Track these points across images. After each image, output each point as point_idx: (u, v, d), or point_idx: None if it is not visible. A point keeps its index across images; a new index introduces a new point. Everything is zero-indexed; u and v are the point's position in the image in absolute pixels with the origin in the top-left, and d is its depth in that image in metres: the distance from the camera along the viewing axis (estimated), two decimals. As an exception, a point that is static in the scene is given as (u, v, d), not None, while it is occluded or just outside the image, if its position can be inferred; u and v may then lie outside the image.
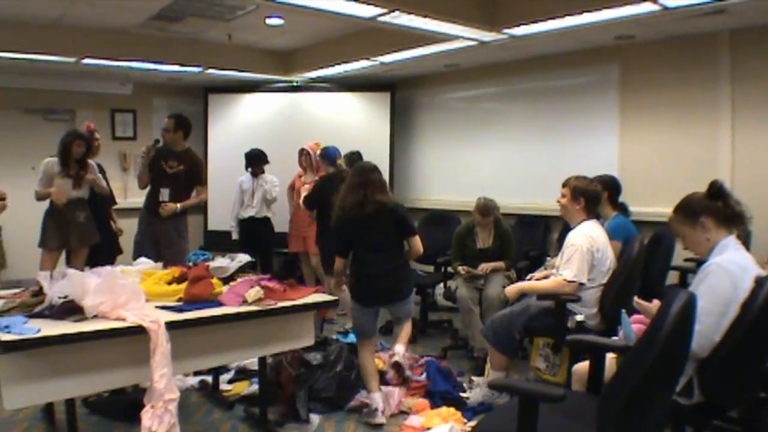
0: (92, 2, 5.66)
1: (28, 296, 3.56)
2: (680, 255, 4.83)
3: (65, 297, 3.28)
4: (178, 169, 6.02)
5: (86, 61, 6.84)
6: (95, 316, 3.24)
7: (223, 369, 4.95)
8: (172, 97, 8.89)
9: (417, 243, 4.58)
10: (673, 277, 5.19)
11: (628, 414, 2.22)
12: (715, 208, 2.96)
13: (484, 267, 5.51)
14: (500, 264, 5.56)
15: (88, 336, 3.07)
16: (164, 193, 6.01)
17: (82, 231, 5.98)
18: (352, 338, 5.22)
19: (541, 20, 5.13)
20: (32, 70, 7.34)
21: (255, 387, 4.60)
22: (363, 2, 4.71)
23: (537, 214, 6.68)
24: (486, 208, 5.57)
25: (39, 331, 2.99)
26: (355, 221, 4.41)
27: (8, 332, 2.93)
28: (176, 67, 7.42)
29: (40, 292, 3.51)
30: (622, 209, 5.10)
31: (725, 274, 2.82)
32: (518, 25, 5.33)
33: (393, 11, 4.91)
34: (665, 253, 4.85)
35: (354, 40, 6.84)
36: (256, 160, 7.45)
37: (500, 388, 3.45)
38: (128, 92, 8.47)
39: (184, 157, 6.09)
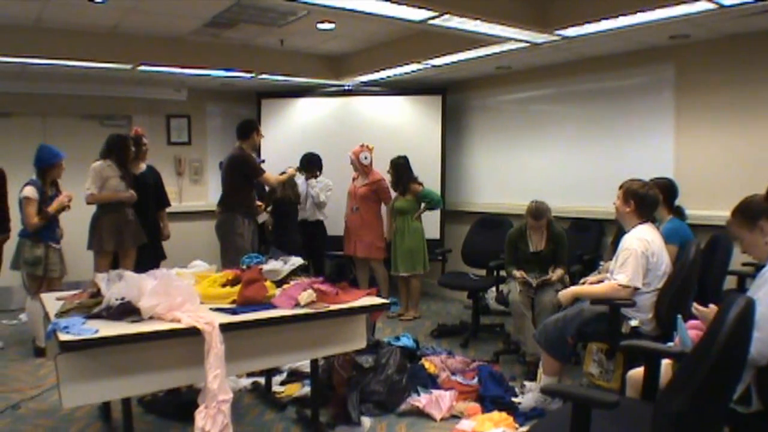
0: (147, 11, 5.79)
1: (86, 298, 3.66)
2: (738, 259, 4.75)
3: (122, 298, 3.36)
4: None
5: (142, 68, 6.98)
6: (151, 318, 3.31)
7: (276, 371, 5.00)
8: (225, 103, 9.01)
9: None
10: (730, 282, 5.07)
11: (684, 422, 2.18)
12: (774, 211, 2.89)
13: (540, 281, 5.42)
14: (557, 275, 5.49)
15: (144, 337, 3.14)
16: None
17: (133, 232, 6.13)
18: (404, 341, 5.23)
19: (594, 21, 5.06)
20: (90, 78, 7.53)
21: (307, 389, 4.63)
22: (414, 6, 4.70)
23: (591, 217, 6.59)
24: (538, 211, 5.51)
25: (97, 331, 3.07)
26: None
27: (67, 332, 3.00)
28: (229, 73, 7.52)
29: (97, 294, 3.60)
30: (679, 213, 5.00)
31: (785, 279, 2.75)
32: (570, 26, 5.26)
33: (444, 14, 4.89)
34: (723, 257, 4.75)
35: (405, 44, 6.84)
36: (307, 165, 7.53)
37: (553, 393, 3.43)
38: (183, 98, 8.64)
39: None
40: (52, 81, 7.57)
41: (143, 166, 6.60)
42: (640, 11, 4.73)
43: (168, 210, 6.97)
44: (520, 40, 5.74)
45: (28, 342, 6.04)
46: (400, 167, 7.24)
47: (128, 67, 6.91)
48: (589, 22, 5.11)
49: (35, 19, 5.93)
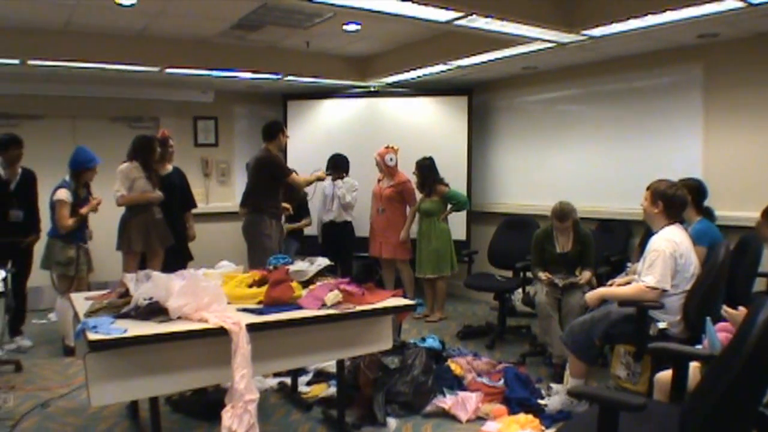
0: (174, 14, 5.84)
1: (114, 297, 3.70)
2: (768, 261, 4.70)
3: (150, 298, 3.39)
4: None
5: (169, 70, 7.05)
6: (179, 318, 3.34)
7: (302, 371, 5.02)
8: (251, 105, 9.06)
9: None
10: (760, 284, 5.02)
11: (712, 426, 2.16)
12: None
13: (567, 283, 5.39)
14: (584, 277, 5.45)
15: (171, 336, 3.17)
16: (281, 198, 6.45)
17: (161, 233, 6.20)
18: (429, 343, 5.23)
19: (621, 20, 5.01)
20: (118, 80, 7.61)
21: (333, 389, 4.65)
22: (439, 6, 4.70)
23: (618, 218, 6.53)
24: (562, 212, 5.48)
25: (125, 331, 3.10)
26: None
27: (96, 332, 3.04)
28: (255, 75, 7.57)
29: (126, 294, 3.64)
30: (707, 214, 4.95)
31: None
32: (597, 26, 5.22)
33: (470, 15, 4.89)
34: (752, 259, 4.69)
35: (431, 45, 6.83)
36: (335, 166, 7.56)
37: (579, 395, 3.40)
38: (209, 100, 8.70)
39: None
40: (82, 84, 7.66)
41: (169, 168, 6.66)
42: (667, 10, 4.68)
43: (195, 211, 7.03)
44: (547, 41, 5.71)
45: (58, 341, 6.12)
46: (426, 168, 7.23)
47: (156, 69, 6.99)
48: (615, 22, 5.07)
49: (65, 23, 6.02)
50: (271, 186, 6.32)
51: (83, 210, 5.84)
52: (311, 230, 7.98)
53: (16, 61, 6.32)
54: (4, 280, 4.58)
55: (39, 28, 6.11)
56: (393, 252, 7.40)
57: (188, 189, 6.90)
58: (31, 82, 7.43)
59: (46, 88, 7.59)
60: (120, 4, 5.39)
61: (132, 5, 5.43)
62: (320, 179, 6.83)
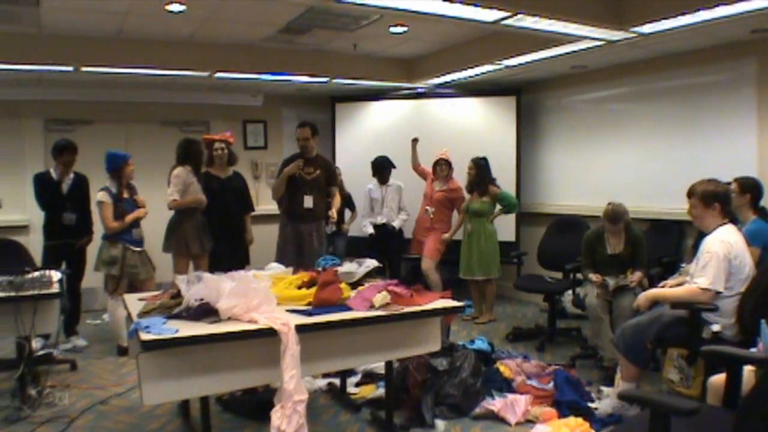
0: (223, 19, 5.92)
1: (167, 298, 3.76)
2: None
3: (201, 299, 3.44)
4: (316, 174, 6.29)
5: (218, 75, 7.15)
6: (229, 318, 3.37)
7: (351, 372, 5.04)
8: (300, 107, 9.11)
9: None
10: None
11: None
12: None
13: (618, 284, 5.29)
14: (635, 279, 5.35)
15: (222, 337, 3.21)
16: (308, 200, 6.28)
17: (208, 236, 6.29)
18: (478, 345, 5.20)
19: (671, 16, 4.92)
20: (169, 85, 7.77)
21: (381, 391, 4.64)
22: (486, 6, 4.68)
23: (671, 218, 6.41)
24: (614, 214, 5.39)
25: (177, 331, 3.15)
26: None
27: (149, 332, 3.09)
28: (304, 78, 7.62)
29: (178, 295, 3.69)
30: (763, 213, 4.84)
31: None
32: (647, 23, 5.14)
33: (517, 14, 4.85)
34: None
35: (478, 45, 6.80)
36: (382, 168, 7.57)
37: (630, 399, 3.36)
38: (258, 103, 8.78)
39: (319, 162, 6.34)
40: (133, 89, 7.84)
41: (231, 171, 6.74)
42: (719, 5, 4.59)
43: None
44: (596, 39, 5.64)
45: (112, 341, 6.25)
46: (483, 167, 7.20)
47: (205, 74, 7.10)
48: (666, 18, 4.98)
49: (116, 31, 6.16)
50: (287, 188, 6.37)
51: (128, 218, 5.95)
52: (358, 231, 8.02)
53: (70, 68, 6.48)
54: (60, 281, 4.68)
55: (92, 36, 6.27)
56: (428, 251, 7.38)
57: (247, 192, 6.91)
58: (85, 89, 7.62)
59: (98, 93, 7.78)
60: (170, 11, 5.49)
61: (181, 12, 5.52)
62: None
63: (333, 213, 6.42)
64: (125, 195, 6.08)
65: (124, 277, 5.94)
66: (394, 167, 7.73)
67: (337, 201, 6.58)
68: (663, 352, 4.56)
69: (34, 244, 6.49)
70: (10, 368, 5.00)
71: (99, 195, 5.96)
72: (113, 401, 4.81)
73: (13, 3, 5.24)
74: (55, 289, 4.56)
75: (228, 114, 8.74)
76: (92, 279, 6.55)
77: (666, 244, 6.24)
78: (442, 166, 7.38)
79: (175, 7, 5.42)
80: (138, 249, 6.08)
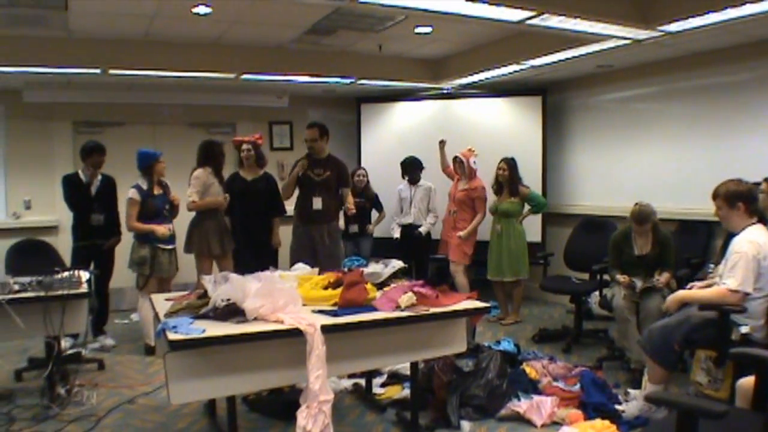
0: (249, 21, 5.96)
1: (193, 299, 3.80)
2: None
3: (228, 300, 3.47)
4: (326, 176, 6.23)
5: (245, 76, 7.20)
6: (255, 319, 3.40)
7: (376, 373, 5.03)
8: (326, 108, 9.13)
9: None
10: None
11: (799, 434, 2.08)
12: None
13: (645, 285, 5.24)
14: (663, 280, 5.28)
15: (248, 337, 3.24)
16: (317, 201, 6.22)
17: (230, 236, 6.32)
18: (504, 346, 5.18)
19: (698, 14, 4.87)
20: (196, 87, 7.84)
21: (407, 391, 4.64)
22: (511, 6, 4.67)
23: (699, 219, 6.33)
24: (641, 215, 5.33)
25: (204, 331, 3.18)
26: None
27: (176, 332, 3.13)
28: (329, 79, 7.65)
29: (204, 295, 3.72)
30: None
31: None
32: (674, 21, 5.09)
33: (542, 14, 4.84)
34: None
35: (503, 45, 6.79)
36: (411, 168, 7.57)
37: (658, 401, 3.32)
38: (284, 105, 8.82)
39: (329, 163, 6.29)
40: (161, 91, 7.93)
41: (260, 172, 6.77)
42: (747, 3, 4.53)
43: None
44: (622, 37, 5.60)
45: (139, 340, 6.31)
46: (513, 168, 7.17)
47: (232, 76, 7.15)
48: (693, 16, 4.93)
49: (144, 34, 6.22)
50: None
51: (158, 232, 5.99)
52: (385, 232, 8.02)
53: (98, 71, 6.57)
54: (88, 281, 4.74)
55: (119, 38, 6.35)
56: (453, 253, 7.33)
57: (276, 194, 6.80)
58: (113, 91, 7.73)
59: (126, 96, 7.88)
60: (196, 14, 5.54)
61: (208, 14, 5.57)
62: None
63: (350, 204, 6.40)
64: (156, 192, 6.14)
65: (153, 275, 6.01)
66: (423, 168, 7.74)
67: (350, 201, 6.52)
68: (691, 354, 4.51)
69: (63, 244, 6.60)
70: (39, 367, 5.10)
71: (129, 192, 6.02)
72: (140, 400, 4.86)
73: (42, 7, 5.33)
74: (84, 289, 4.61)
75: (254, 115, 8.79)
76: (120, 279, 6.63)
77: (694, 245, 6.18)
78: (458, 164, 7.34)
79: (202, 10, 5.47)
80: (169, 247, 6.15)
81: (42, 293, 4.38)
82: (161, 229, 5.99)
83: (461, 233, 7.30)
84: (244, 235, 6.52)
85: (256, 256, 6.27)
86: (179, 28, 6.13)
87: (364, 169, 8.04)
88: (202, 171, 6.21)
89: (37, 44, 6.16)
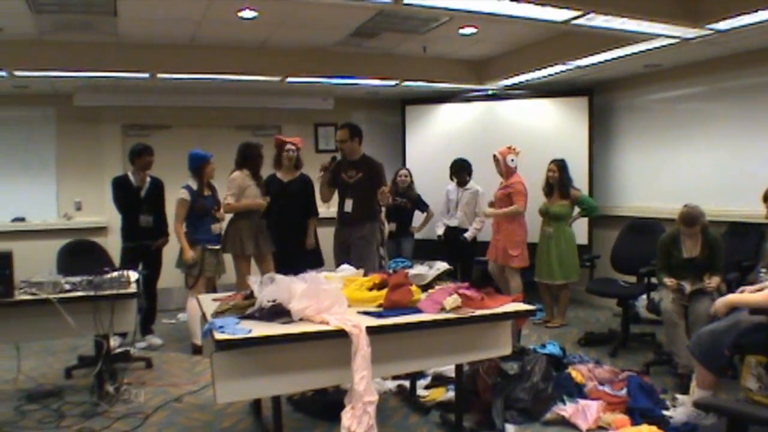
0: (294, 24, 6.01)
1: (240, 299, 3.84)
2: None
3: (274, 301, 3.50)
4: (358, 178, 6.20)
5: (290, 79, 7.27)
6: (301, 319, 3.43)
7: (421, 374, 5.03)
8: (370, 110, 9.17)
9: None
10: None
11: None
12: None
13: (694, 289, 5.14)
14: (713, 283, 5.16)
15: (294, 337, 3.27)
16: (348, 204, 6.23)
17: (267, 238, 6.40)
18: (549, 349, 5.14)
19: (748, 12, 4.77)
20: (242, 90, 7.94)
21: (451, 394, 4.63)
22: (556, 6, 4.63)
23: (750, 221, 6.20)
24: (690, 217, 5.24)
25: (250, 331, 3.22)
26: None
27: (222, 332, 3.17)
28: (373, 81, 7.68)
29: (250, 296, 3.77)
30: None
31: None
32: (722, 19, 4.99)
33: (588, 13, 4.79)
34: None
35: (548, 45, 6.74)
36: (459, 170, 7.55)
37: (706, 407, 3.28)
38: (329, 107, 8.86)
39: (362, 165, 6.24)
40: (207, 94, 8.04)
41: (297, 174, 6.84)
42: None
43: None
44: (669, 36, 5.52)
45: (186, 340, 6.41)
46: (563, 169, 7.12)
47: (277, 79, 7.23)
48: (743, 14, 4.84)
49: (190, 38, 6.32)
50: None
51: (186, 254, 6.09)
52: (425, 233, 8.01)
53: (146, 75, 6.71)
54: (137, 281, 4.82)
55: (167, 43, 6.46)
56: (504, 257, 7.20)
57: (311, 196, 6.89)
58: (161, 94, 7.86)
59: (174, 99, 8.01)
60: (242, 18, 5.60)
61: (253, 18, 5.63)
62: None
63: (385, 188, 6.14)
64: (206, 193, 6.27)
65: (202, 276, 6.12)
66: (471, 171, 7.70)
67: (385, 191, 6.17)
68: (741, 359, 4.42)
69: (113, 245, 6.74)
70: (88, 365, 5.20)
71: (180, 192, 6.15)
72: (187, 399, 4.93)
73: (91, 13, 5.44)
74: (133, 289, 4.69)
75: (299, 118, 8.86)
76: (168, 279, 6.74)
77: (744, 248, 6.05)
78: (499, 164, 7.21)
79: (248, 14, 5.53)
80: (216, 247, 6.26)
81: (92, 293, 4.47)
82: (189, 253, 6.09)
83: (486, 210, 7.32)
84: (279, 235, 6.57)
85: (295, 257, 6.37)
86: (225, 33, 6.20)
87: (407, 170, 8.03)
88: (239, 173, 6.28)
89: (87, 49, 6.28)
